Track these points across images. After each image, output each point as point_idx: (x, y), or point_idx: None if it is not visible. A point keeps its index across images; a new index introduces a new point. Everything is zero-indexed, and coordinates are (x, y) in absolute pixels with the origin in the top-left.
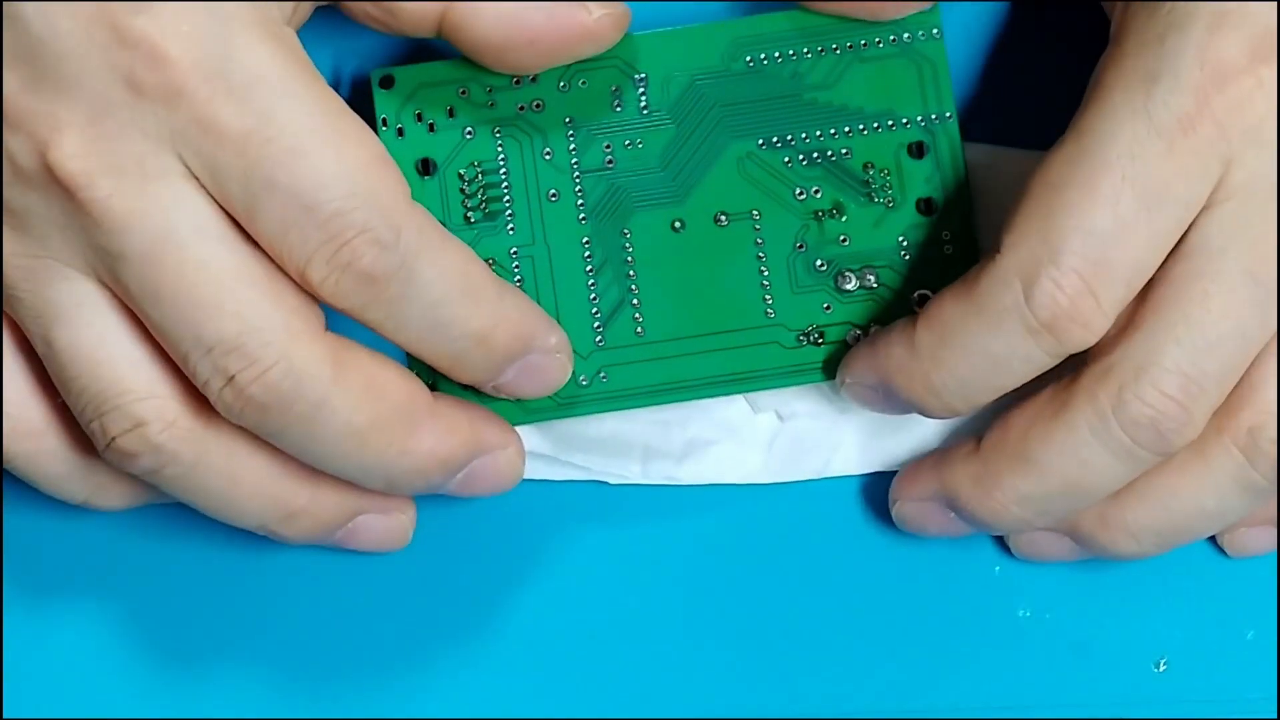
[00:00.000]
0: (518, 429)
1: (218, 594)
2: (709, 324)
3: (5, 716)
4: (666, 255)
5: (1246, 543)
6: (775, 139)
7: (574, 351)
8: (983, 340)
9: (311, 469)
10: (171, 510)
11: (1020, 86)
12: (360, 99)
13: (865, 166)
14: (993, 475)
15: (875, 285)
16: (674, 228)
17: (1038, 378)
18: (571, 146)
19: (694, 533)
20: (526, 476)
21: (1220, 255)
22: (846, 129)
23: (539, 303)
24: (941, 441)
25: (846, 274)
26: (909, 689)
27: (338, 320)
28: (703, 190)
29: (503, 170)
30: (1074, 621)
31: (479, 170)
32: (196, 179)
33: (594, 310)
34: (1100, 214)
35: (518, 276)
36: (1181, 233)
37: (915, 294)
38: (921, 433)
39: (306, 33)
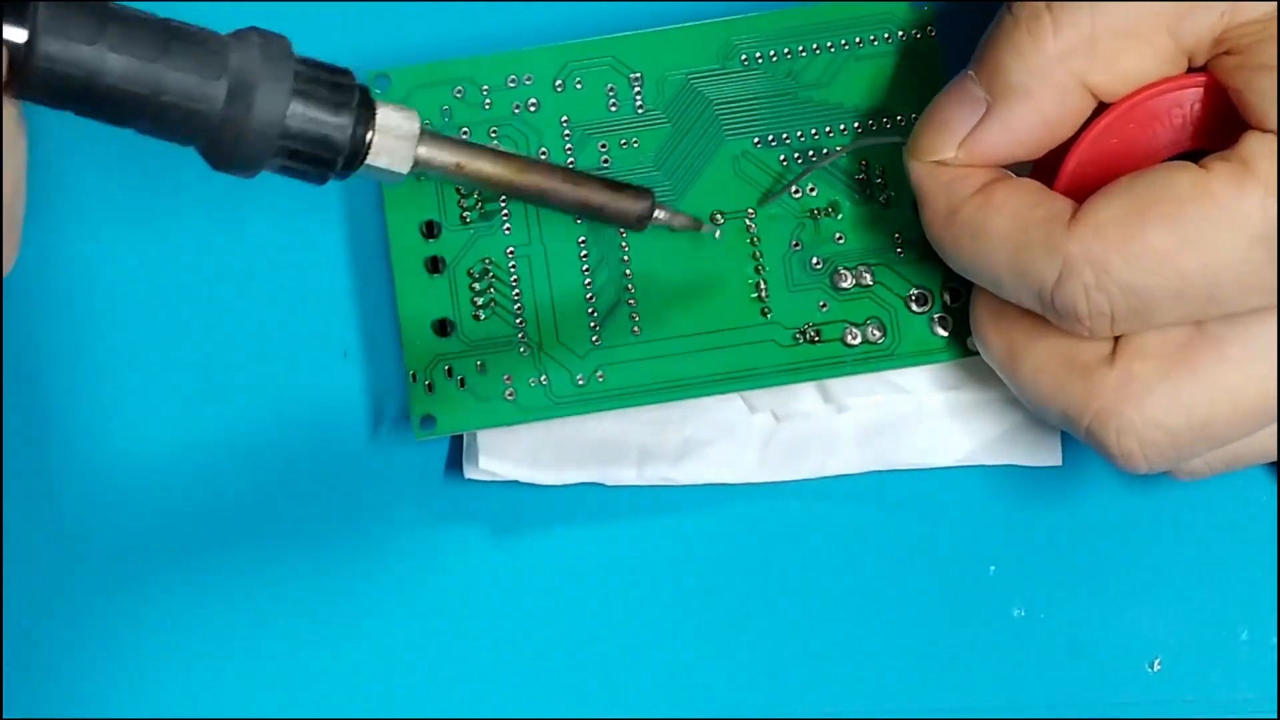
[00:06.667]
0: (516, 429)
1: (220, 594)
2: (705, 323)
3: (5, 717)
4: (662, 254)
5: None
6: (771, 138)
7: (571, 351)
8: None
9: None
10: (171, 512)
11: None
12: None
13: (861, 165)
14: None
15: (871, 283)
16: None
17: None
18: (567, 146)
19: (692, 533)
20: (525, 480)
21: None
22: (842, 127)
23: (536, 302)
24: (939, 442)
25: (842, 272)
26: (905, 688)
27: None
28: (698, 189)
29: None
30: (1069, 621)
31: None
32: None
33: (590, 310)
34: None
35: (514, 276)
36: None
37: (912, 292)
38: (919, 433)
39: (305, 33)
